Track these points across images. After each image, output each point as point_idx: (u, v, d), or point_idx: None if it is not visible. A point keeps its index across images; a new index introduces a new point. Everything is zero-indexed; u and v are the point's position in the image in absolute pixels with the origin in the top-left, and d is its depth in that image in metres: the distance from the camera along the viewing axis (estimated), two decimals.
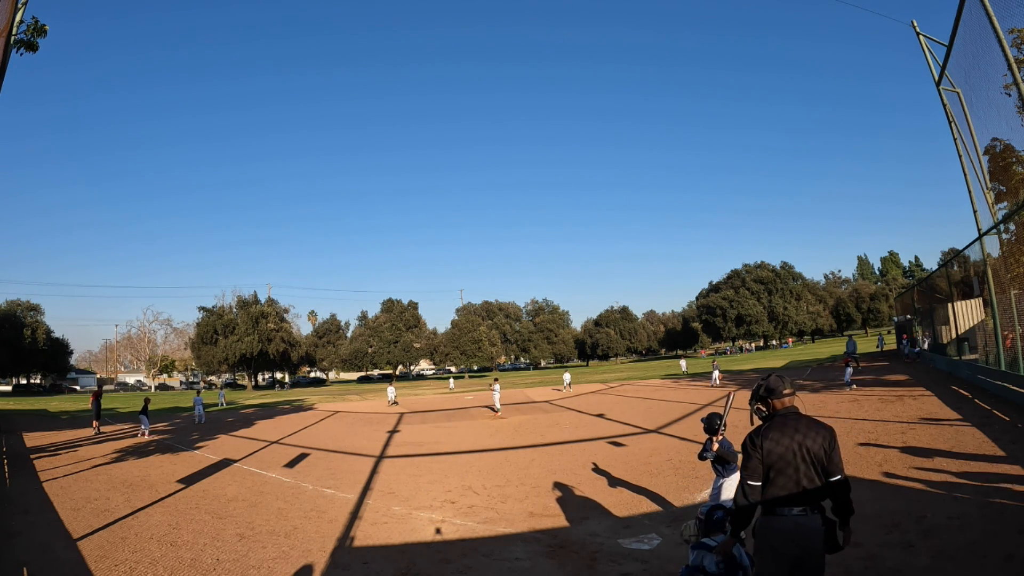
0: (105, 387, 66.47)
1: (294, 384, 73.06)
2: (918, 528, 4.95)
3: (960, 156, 14.67)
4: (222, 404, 31.57)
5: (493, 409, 19.95)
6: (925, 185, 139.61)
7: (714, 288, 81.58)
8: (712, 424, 5.13)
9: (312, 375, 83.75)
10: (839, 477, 2.77)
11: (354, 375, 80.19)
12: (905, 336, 29.48)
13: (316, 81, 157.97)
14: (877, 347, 37.65)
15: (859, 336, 64.51)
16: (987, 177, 13.72)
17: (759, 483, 2.77)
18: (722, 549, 2.92)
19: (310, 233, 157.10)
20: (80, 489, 9.12)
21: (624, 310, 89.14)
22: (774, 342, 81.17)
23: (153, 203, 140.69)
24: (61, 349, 63.68)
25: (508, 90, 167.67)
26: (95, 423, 17.97)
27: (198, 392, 28.23)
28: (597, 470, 9.12)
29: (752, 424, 3.11)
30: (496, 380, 21.85)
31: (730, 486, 4.95)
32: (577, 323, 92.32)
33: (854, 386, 16.15)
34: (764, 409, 2.97)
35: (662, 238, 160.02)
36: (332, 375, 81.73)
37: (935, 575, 4.07)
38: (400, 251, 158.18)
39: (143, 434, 16.53)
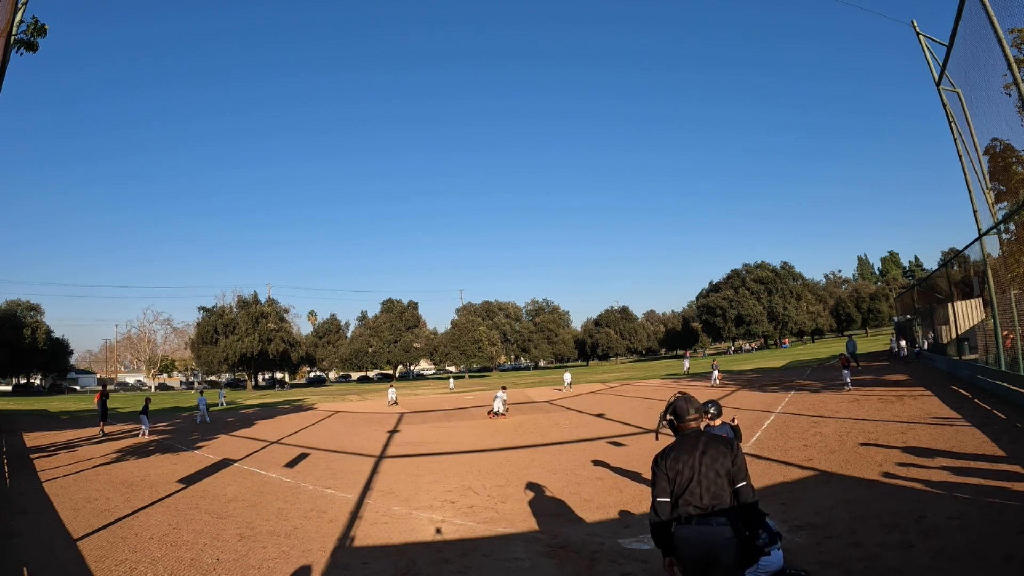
0: (108, 387, 66.37)
1: (310, 383, 73.42)
2: (918, 528, 4.94)
3: (960, 156, 14.65)
4: (222, 404, 31.58)
5: (496, 413, 18.78)
6: (925, 186, 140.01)
7: (714, 288, 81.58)
8: (704, 409, 5.26)
9: (312, 375, 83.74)
10: (744, 483, 2.87)
11: (354, 375, 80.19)
12: (903, 340, 29.29)
13: (317, 84, 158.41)
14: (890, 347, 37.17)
15: (859, 336, 64.46)
16: (987, 177, 13.70)
17: (666, 499, 2.91)
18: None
19: (310, 234, 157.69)
20: (80, 489, 9.12)
21: (624, 310, 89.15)
22: (772, 343, 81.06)
23: (154, 205, 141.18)
24: (61, 349, 63.67)
25: (508, 93, 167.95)
26: (101, 424, 17.69)
27: (201, 392, 28.21)
28: (597, 470, 9.12)
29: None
30: (504, 388, 19.98)
31: None
32: (577, 323, 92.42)
33: (848, 387, 16.01)
34: (673, 429, 3.19)
35: (662, 239, 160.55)
36: (332, 375, 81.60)
37: (935, 575, 4.07)
38: (400, 251, 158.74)
39: (144, 434, 16.54)
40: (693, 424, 3.08)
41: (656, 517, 2.93)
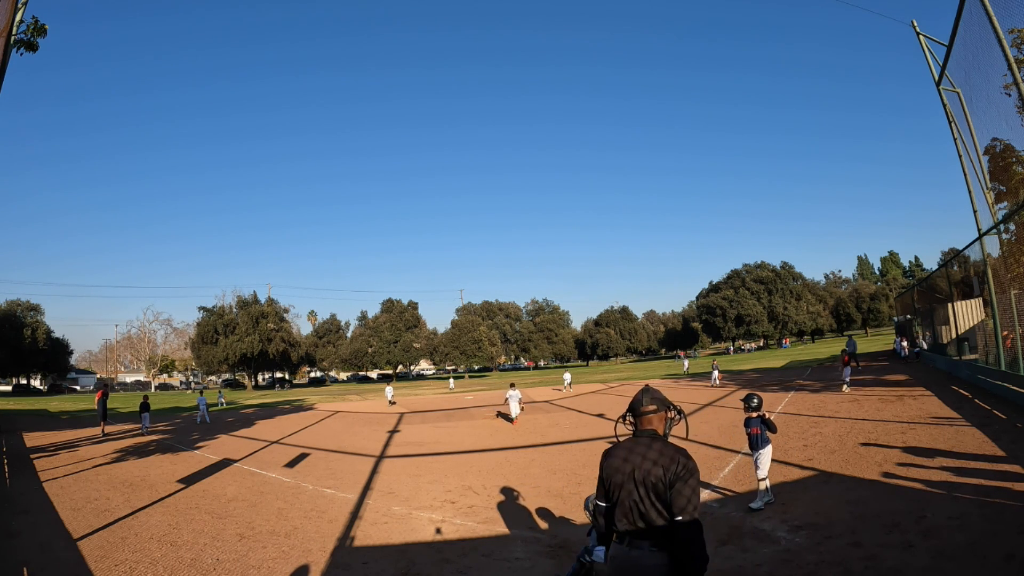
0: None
1: (311, 383, 73.74)
2: (918, 528, 4.94)
3: (960, 156, 14.65)
4: (221, 404, 31.57)
5: (508, 418, 17.17)
6: (925, 186, 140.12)
7: (714, 288, 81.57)
8: (750, 403, 6.51)
9: (312, 374, 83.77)
10: (680, 517, 2.24)
11: (343, 375, 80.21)
12: (904, 339, 29.24)
13: (317, 83, 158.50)
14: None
15: (859, 336, 64.47)
16: (987, 177, 13.70)
17: (604, 503, 2.54)
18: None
19: (310, 234, 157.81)
20: (80, 489, 9.12)
21: (624, 310, 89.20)
22: (771, 343, 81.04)
23: (153, 204, 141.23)
24: (61, 349, 63.67)
25: (508, 93, 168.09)
26: (102, 424, 17.55)
27: (201, 392, 28.21)
28: (597, 470, 9.10)
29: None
30: (513, 386, 17.87)
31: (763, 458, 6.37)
32: (577, 323, 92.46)
33: (847, 387, 15.98)
34: (634, 426, 2.67)
35: (662, 238, 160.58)
36: (338, 374, 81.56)
37: (935, 575, 4.07)
38: (400, 251, 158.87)
39: (144, 430, 16.69)
40: (650, 420, 2.55)
41: (596, 518, 2.60)
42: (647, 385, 2.82)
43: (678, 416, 2.64)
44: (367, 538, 6.28)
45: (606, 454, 2.58)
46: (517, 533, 6.22)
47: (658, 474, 2.31)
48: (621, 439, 2.69)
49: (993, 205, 13.75)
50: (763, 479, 6.34)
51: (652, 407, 2.55)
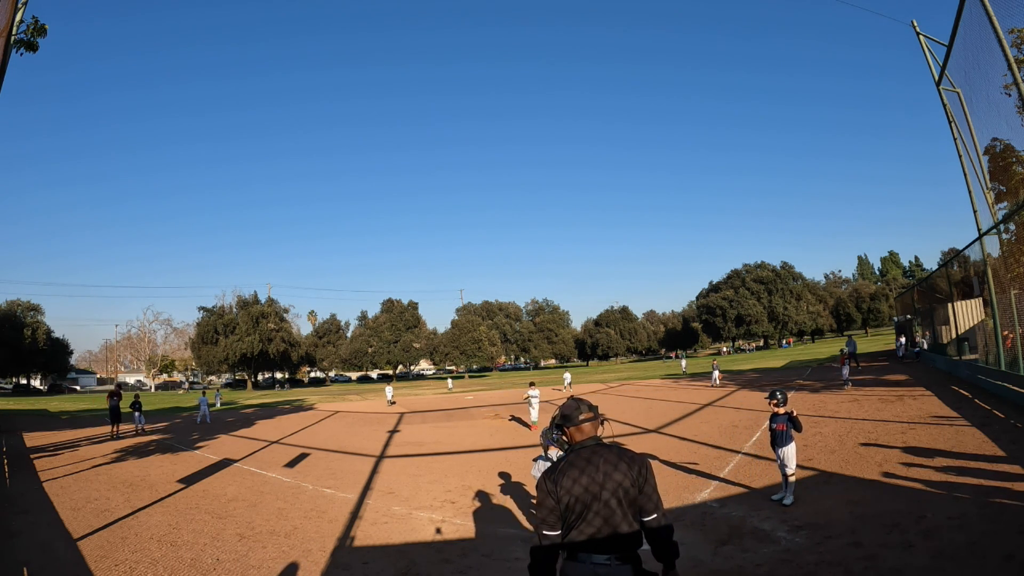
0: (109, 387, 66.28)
1: (311, 383, 73.85)
2: (918, 528, 4.95)
3: (960, 156, 14.66)
4: (218, 404, 31.57)
5: (525, 423, 15.90)
6: (925, 185, 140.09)
7: (714, 288, 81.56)
8: (775, 397, 6.64)
9: (312, 374, 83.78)
10: (655, 516, 2.31)
11: (354, 375, 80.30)
12: (903, 338, 29.24)
13: (316, 81, 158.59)
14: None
15: (859, 336, 64.47)
16: (987, 177, 13.70)
17: (555, 532, 2.31)
18: None
19: (310, 233, 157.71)
20: (80, 489, 9.12)
21: (624, 310, 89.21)
22: (772, 343, 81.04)
23: (153, 203, 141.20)
24: (61, 349, 63.70)
25: (508, 90, 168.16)
26: (118, 426, 17.30)
27: (203, 392, 28.25)
28: None
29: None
30: (533, 385, 16.71)
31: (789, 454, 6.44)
32: (577, 323, 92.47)
33: (849, 385, 16.11)
34: (566, 440, 2.54)
35: (662, 238, 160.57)
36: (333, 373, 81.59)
37: (935, 575, 4.07)
38: (400, 251, 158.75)
39: (140, 430, 16.86)
40: (588, 429, 2.44)
41: (540, 557, 2.31)
42: (573, 396, 2.68)
43: (603, 423, 2.57)
44: (367, 538, 6.28)
45: (554, 475, 2.34)
46: (517, 533, 6.22)
47: (628, 482, 2.29)
48: (544, 455, 2.58)
49: (993, 205, 13.76)
50: (792, 473, 6.42)
51: (590, 414, 2.45)
